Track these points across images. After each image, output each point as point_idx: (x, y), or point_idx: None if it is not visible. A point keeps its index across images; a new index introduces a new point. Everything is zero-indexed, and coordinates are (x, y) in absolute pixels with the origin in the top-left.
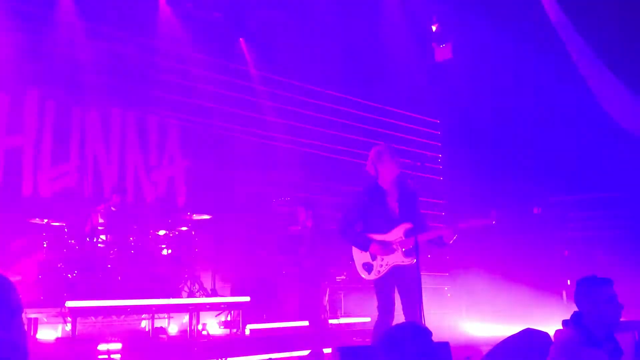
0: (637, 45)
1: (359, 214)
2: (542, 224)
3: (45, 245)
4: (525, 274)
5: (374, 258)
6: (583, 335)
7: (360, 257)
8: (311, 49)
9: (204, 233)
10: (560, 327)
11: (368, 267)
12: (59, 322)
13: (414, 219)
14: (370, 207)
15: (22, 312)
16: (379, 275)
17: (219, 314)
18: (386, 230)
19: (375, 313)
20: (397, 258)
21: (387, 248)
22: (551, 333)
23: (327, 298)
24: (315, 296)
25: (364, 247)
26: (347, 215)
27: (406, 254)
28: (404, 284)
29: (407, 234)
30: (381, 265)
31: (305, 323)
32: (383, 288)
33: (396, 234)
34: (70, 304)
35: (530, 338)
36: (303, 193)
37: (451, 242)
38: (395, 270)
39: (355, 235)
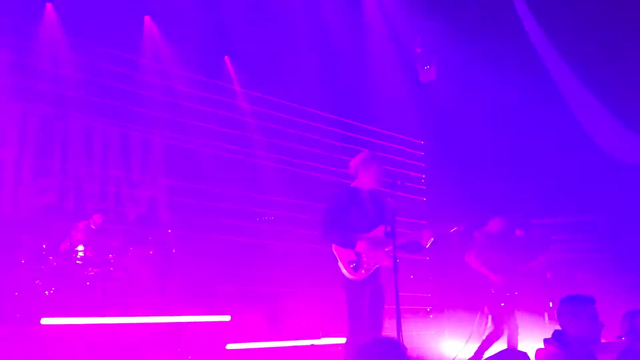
0: (620, 70)
1: (340, 214)
2: (525, 246)
3: (23, 262)
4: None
5: (359, 255)
6: (566, 352)
7: (345, 255)
8: (296, 68)
9: (185, 251)
10: (542, 347)
11: (355, 264)
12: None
13: (388, 223)
14: (349, 208)
15: None
16: (369, 273)
17: None
18: (367, 230)
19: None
20: (382, 258)
21: (374, 246)
22: (532, 353)
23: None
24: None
25: (350, 245)
26: (328, 215)
27: (389, 254)
28: (379, 288)
29: (388, 235)
30: (368, 264)
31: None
32: (361, 292)
33: (377, 234)
34: (45, 321)
35: (509, 358)
36: (287, 212)
37: (428, 245)
38: (376, 271)
39: (340, 233)
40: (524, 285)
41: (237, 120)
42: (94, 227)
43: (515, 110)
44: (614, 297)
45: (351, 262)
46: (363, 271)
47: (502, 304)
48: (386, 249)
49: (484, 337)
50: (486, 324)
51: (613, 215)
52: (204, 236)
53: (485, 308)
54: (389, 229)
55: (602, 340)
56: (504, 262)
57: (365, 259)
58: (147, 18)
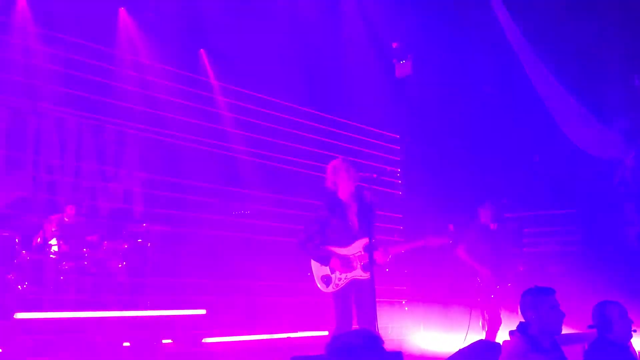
0: (594, 65)
1: (319, 227)
2: (499, 240)
3: None
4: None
5: (332, 271)
6: (529, 343)
7: (319, 270)
8: (272, 62)
9: (160, 245)
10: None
11: (327, 280)
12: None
13: (371, 234)
14: (330, 220)
15: None
16: (337, 288)
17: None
18: (346, 243)
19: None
20: (356, 272)
21: (346, 264)
22: None
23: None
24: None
25: (324, 262)
26: (308, 228)
27: (364, 268)
28: (361, 297)
29: (366, 249)
30: (340, 279)
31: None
32: (341, 300)
33: (356, 248)
34: (19, 315)
35: (482, 349)
36: (262, 205)
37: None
38: (353, 283)
39: (315, 249)
40: (514, 278)
41: (213, 113)
42: (67, 220)
43: (490, 105)
44: (586, 289)
45: (323, 277)
46: (335, 286)
47: (492, 296)
48: (362, 263)
49: (485, 330)
50: (483, 316)
51: (586, 209)
52: (179, 230)
53: (479, 300)
54: (368, 241)
55: (574, 331)
56: (494, 254)
57: (337, 274)
58: (122, 10)
